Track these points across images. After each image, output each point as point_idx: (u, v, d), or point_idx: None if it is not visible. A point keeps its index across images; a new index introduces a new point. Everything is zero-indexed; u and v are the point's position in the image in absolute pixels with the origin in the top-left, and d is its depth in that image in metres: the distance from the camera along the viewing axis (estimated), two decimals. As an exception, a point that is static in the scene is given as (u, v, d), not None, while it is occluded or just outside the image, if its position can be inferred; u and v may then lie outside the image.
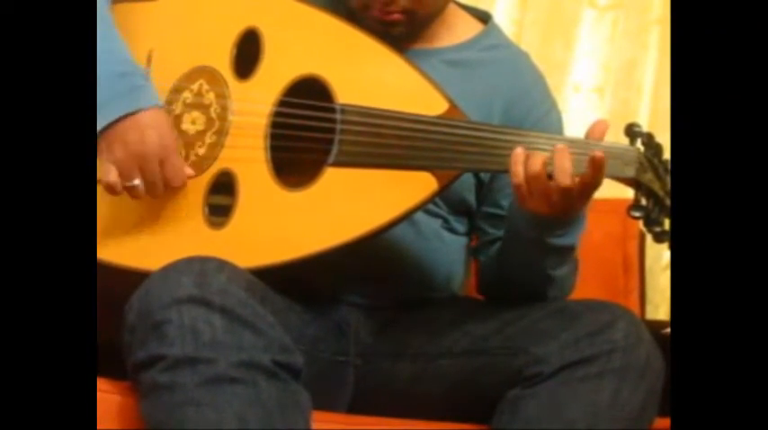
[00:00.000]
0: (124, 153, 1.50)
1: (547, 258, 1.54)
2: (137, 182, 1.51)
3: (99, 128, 1.50)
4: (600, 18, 2.57)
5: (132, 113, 1.50)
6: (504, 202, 1.65)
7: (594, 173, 1.40)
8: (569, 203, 1.44)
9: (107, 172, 1.51)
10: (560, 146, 1.42)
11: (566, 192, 1.42)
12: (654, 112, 2.49)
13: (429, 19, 1.64)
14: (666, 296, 2.38)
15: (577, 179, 1.41)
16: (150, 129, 1.50)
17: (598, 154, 1.39)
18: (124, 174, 1.51)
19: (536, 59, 1.79)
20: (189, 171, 1.54)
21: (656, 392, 1.42)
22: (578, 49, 2.57)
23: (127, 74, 1.54)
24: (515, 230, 1.54)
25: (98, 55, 1.45)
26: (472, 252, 1.73)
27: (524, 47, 1.89)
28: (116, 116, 1.50)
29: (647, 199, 1.45)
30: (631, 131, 1.48)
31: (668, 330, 1.77)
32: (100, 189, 1.53)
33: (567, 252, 1.55)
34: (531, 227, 1.49)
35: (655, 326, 1.60)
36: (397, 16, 1.59)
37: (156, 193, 1.53)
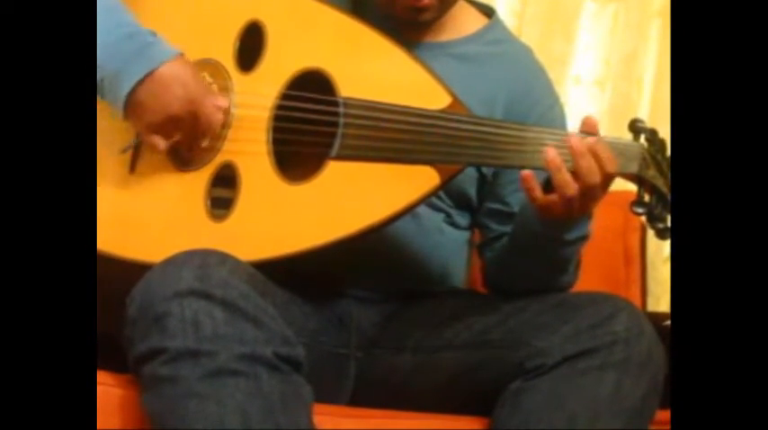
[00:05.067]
0: (155, 118, 1.51)
1: (563, 252, 1.55)
2: (177, 137, 1.53)
3: (122, 96, 1.50)
4: (600, 11, 2.57)
5: (150, 73, 1.50)
6: (510, 199, 1.66)
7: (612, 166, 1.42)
8: (593, 202, 1.45)
9: (150, 142, 1.53)
10: (574, 140, 1.43)
11: (592, 191, 1.43)
12: (654, 105, 2.49)
13: (454, 4, 1.65)
14: (667, 288, 2.38)
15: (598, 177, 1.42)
16: (172, 86, 1.50)
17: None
18: (164, 136, 1.52)
19: (537, 52, 1.79)
20: (222, 103, 1.54)
21: (657, 385, 1.42)
22: (579, 41, 2.57)
23: (133, 34, 1.53)
24: (531, 230, 1.54)
25: (101, 24, 1.45)
26: (477, 249, 1.73)
27: (525, 40, 1.90)
28: (135, 81, 1.49)
29: (650, 195, 1.45)
30: (635, 127, 1.48)
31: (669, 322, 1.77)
32: (101, 181, 1.54)
33: (582, 242, 1.56)
34: (549, 228, 1.50)
35: (656, 318, 1.60)
36: (428, 1, 1.59)
37: (199, 143, 1.54)
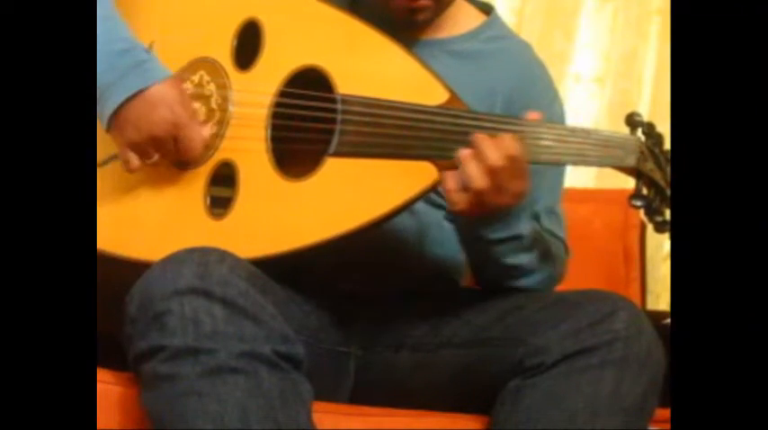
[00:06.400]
0: (137, 136, 1.51)
1: (496, 251, 1.52)
2: (155, 158, 1.53)
3: (109, 110, 1.50)
4: (600, 8, 2.58)
5: (139, 92, 1.50)
6: None
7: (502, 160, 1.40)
8: (505, 195, 1.43)
9: (126, 158, 1.52)
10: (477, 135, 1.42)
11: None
12: (654, 102, 2.50)
13: (451, 3, 1.64)
14: (667, 286, 2.38)
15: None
16: (159, 107, 1.50)
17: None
18: (142, 156, 1.52)
19: (536, 50, 1.79)
20: (205, 133, 1.54)
21: (657, 383, 1.41)
22: (579, 39, 2.57)
23: (127, 50, 1.53)
24: (458, 231, 1.54)
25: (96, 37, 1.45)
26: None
27: (525, 37, 1.89)
28: (123, 97, 1.49)
29: (649, 188, 1.45)
30: (632, 121, 1.48)
31: (669, 320, 1.77)
32: (101, 180, 1.54)
33: (515, 242, 1.53)
34: (469, 227, 1.50)
35: (655, 316, 1.60)
36: (424, 2, 1.59)
37: (177, 163, 1.54)
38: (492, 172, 1.40)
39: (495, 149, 1.40)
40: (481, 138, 1.41)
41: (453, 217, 1.51)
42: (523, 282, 1.57)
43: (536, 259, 1.57)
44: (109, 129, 1.52)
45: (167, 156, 1.53)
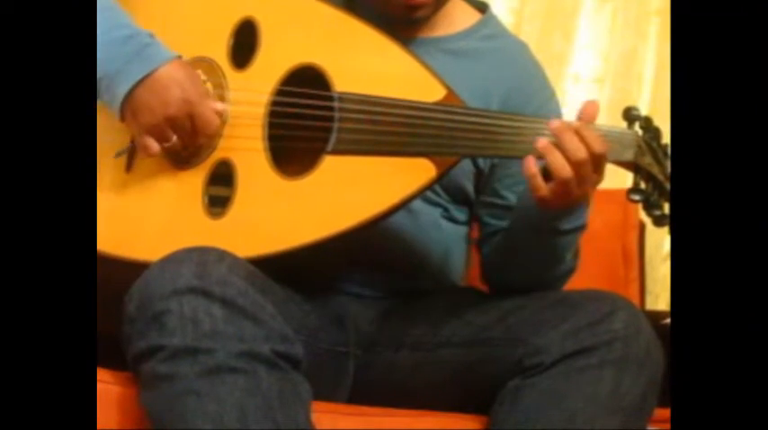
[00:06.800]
0: (152, 118, 1.51)
1: (561, 242, 1.54)
2: (174, 139, 1.53)
3: (120, 97, 1.50)
4: (599, 8, 2.58)
5: (148, 75, 1.50)
6: (505, 193, 1.65)
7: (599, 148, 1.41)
8: (588, 185, 1.43)
9: (144, 143, 1.52)
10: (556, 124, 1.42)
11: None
12: (654, 102, 2.50)
13: (448, 0, 1.64)
14: (666, 286, 2.39)
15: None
16: (170, 87, 1.50)
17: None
18: (159, 139, 1.52)
19: (535, 50, 1.79)
20: (219, 107, 1.54)
21: (656, 382, 1.42)
22: (578, 39, 2.57)
23: (132, 36, 1.53)
24: (530, 224, 1.53)
25: (99, 25, 1.45)
26: (476, 244, 1.72)
27: (524, 37, 1.90)
28: (133, 82, 1.50)
29: (647, 182, 1.45)
30: (629, 115, 1.48)
31: (668, 320, 1.77)
32: (100, 180, 1.54)
33: (579, 232, 1.55)
34: (548, 219, 1.49)
35: (654, 316, 1.60)
36: None
37: (195, 145, 1.54)
38: (577, 164, 1.40)
39: (580, 145, 1.40)
40: (564, 131, 1.41)
41: (527, 209, 1.50)
42: (557, 272, 1.58)
43: (575, 251, 1.58)
44: (122, 116, 1.52)
45: (185, 136, 1.53)
